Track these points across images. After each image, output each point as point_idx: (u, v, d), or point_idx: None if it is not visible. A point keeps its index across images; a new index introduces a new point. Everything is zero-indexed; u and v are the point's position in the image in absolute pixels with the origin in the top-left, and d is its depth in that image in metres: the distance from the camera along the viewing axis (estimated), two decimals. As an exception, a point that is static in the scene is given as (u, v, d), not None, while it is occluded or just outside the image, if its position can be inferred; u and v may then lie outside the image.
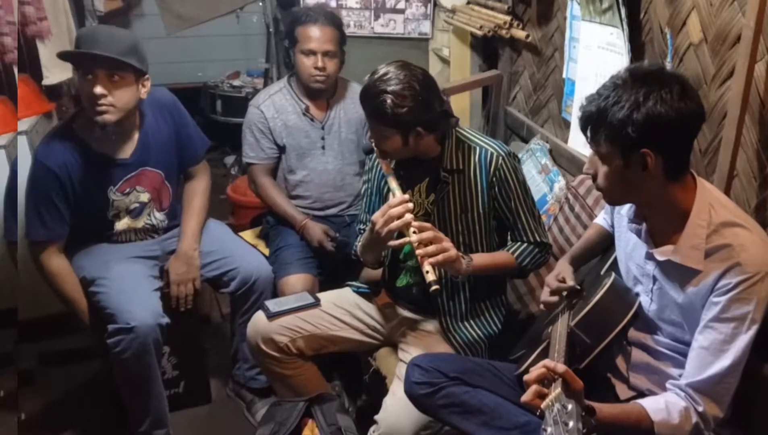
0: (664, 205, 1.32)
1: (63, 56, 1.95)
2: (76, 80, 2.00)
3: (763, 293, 1.23)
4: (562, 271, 1.70)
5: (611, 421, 1.24)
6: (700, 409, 1.27)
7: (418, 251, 1.60)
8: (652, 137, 1.23)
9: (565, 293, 1.64)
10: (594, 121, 1.29)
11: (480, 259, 1.75)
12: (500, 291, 1.94)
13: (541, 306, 1.69)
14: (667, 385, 1.34)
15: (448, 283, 1.82)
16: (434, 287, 1.56)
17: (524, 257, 1.80)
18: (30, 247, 2.06)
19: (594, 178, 1.36)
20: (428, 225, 1.67)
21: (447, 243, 1.65)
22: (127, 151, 2.07)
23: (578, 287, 1.62)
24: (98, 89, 1.88)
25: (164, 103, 2.17)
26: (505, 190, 1.76)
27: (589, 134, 1.32)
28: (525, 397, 1.18)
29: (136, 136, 2.08)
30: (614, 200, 1.43)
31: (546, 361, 1.22)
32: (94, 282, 2.04)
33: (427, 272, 1.58)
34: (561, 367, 1.18)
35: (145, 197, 2.14)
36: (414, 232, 1.63)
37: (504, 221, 1.81)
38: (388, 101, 1.63)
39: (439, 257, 1.61)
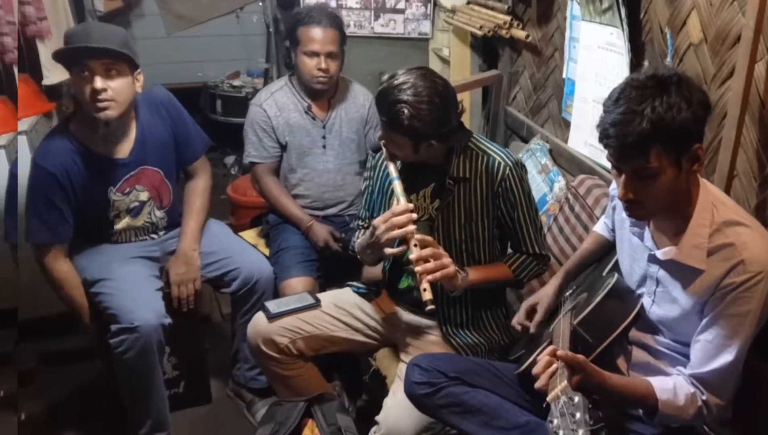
0: (673, 203, 1.30)
1: (59, 55, 1.91)
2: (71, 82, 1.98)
3: (765, 291, 1.24)
4: (541, 301, 1.75)
5: (619, 391, 1.27)
6: (704, 397, 1.29)
7: (417, 269, 1.60)
8: (701, 129, 1.23)
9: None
10: (650, 136, 1.18)
11: (475, 273, 1.75)
12: (501, 297, 1.94)
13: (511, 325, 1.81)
14: (675, 372, 1.35)
15: (447, 292, 1.81)
16: (430, 307, 1.56)
17: (522, 270, 1.80)
18: (34, 250, 2.04)
19: (633, 201, 1.28)
20: (429, 239, 1.66)
21: (446, 259, 1.64)
22: (125, 151, 2.07)
23: (534, 332, 1.72)
24: (98, 83, 1.87)
25: (160, 101, 2.16)
26: (510, 200, 1.75)
27: (635, 155, 1.20)
28: (537, 375, 1.23)
29: (133, 134, 2.07)
30: (656, 212, 1.32)
31: (551, 348, 1.25)
32: (95, 283, 2.03)
33: (425, 290, 1.57)
34: (562, 353, 1.21)
35: (144, 196, 2.14)
36: (415, 246, 1.62)
37: (506, 230, 1.81)
38: (406, 112, 1.59)
39: (437, 275, 1.60)
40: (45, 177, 1.96)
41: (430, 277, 1.59)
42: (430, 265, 1.60)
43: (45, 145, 2.01)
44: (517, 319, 1.79)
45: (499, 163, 1.74)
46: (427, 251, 1.62)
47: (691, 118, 1.19)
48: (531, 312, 1.77)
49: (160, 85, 2.24)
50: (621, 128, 1.20)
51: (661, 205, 1.29)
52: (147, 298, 2.01)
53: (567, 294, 1.71)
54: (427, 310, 1.56)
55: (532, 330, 1.72)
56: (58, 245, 2.03)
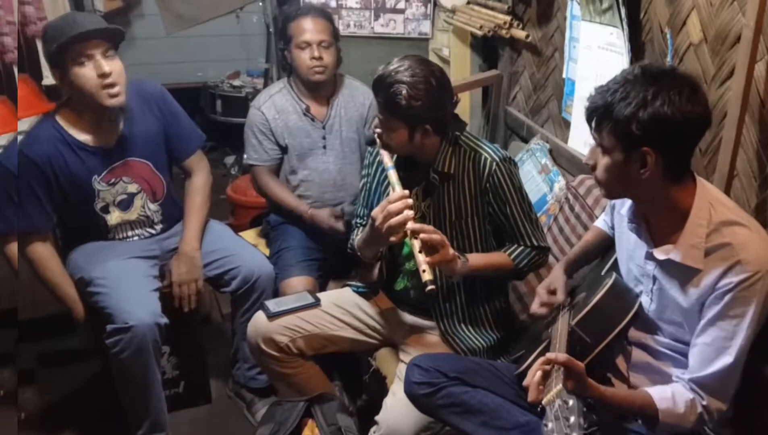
0: (662, 205, 1.32)
1: (60, 47, 1.83)
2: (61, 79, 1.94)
3: (763, 292, 1.23)
4: (554, 281, 1.71)
5: (616, 404, 1.27)
6: (704, 403, 1.29)
7: (414, 242, 1.58)
8: (655, 137, 1.23)
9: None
10: (600, 113, 1.28)
11: (476, 259, 1.74)
12: (500, 293, 1.94)
13: (530, 314, 1.72)
14: (674, 378, 1.35)
15: (443, 286, 1.81)
16: (430, 287, 1.51)
17: (521, 259, 1.79)
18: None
19: (593, 168, 1.36)
20: (428, 227, 1.66)
21: (444, 238, 1.63)
22: (110, 140, 2.05)
23: (567, 303, 1.64)
24: (106, 66, 1.86)
25: (151, 95, 2.15)
26: (500, 196, 1.74)
27: (593, 125, 1.31)
28: (530, 394, 1.21)
29: (120, 124, 2.06)
30: (610, 193, 1.41)
31: (545, 356, 1.23)
32: (92, 282, 2.03)
33: (424, 271, 1.54)
34: (561, 356, 1.20)
35: (133, 188, 2.13)
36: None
37: (500, 226, 1.80)
38: (404, 92, 1.61)
39: (437, 257, 1.59)
40: (27, 165, 1.96)
41: (429, 259, 1.56)
42: (426, 236, 1.57)
43: (30, 134, 2.02)
44: (540, 300, 1.69)
45: (486, 159, 1.73)
46: (425, 227, 1.60)
47: (635, 118, 1.22)
48: (552, 292, 1.71)
49: (152, 80, 2.23)
50: (595, 96, 1.30)
51: (610, 186, 1.35)
52: (142, 298, 2.00)
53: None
54: (427, 291, 1.51)
55: (560, 300, 1.66)
56: (36, 235, 2.02)
